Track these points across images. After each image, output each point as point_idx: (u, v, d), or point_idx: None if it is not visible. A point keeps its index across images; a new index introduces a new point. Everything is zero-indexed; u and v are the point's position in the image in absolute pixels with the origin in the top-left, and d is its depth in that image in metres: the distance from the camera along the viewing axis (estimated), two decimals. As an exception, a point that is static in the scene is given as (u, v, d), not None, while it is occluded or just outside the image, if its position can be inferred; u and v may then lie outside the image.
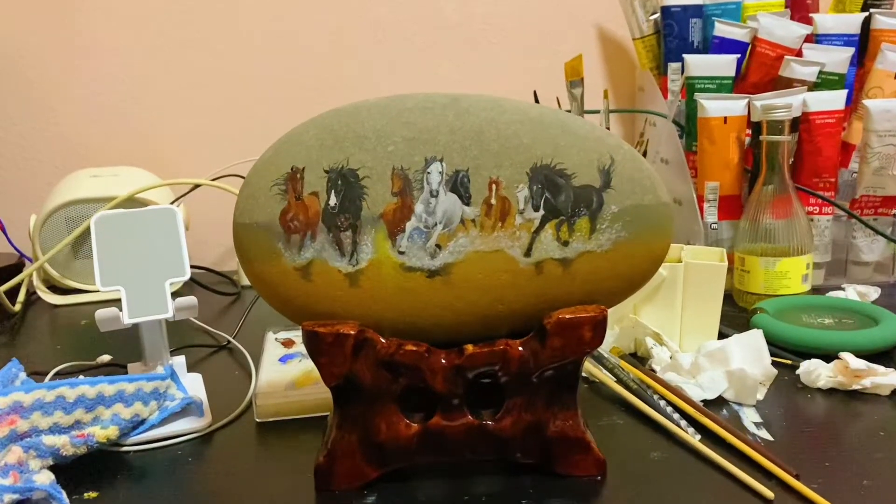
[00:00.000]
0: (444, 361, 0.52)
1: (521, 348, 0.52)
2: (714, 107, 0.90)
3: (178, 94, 1.16)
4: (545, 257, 0.52)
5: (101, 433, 0.58)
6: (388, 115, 0.53)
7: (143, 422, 0.61)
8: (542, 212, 0.52)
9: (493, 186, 0.52)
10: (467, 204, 0.52)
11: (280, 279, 0.52)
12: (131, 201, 0.97)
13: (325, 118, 0.53)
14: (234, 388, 0.71)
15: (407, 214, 0.52)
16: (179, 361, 0.71)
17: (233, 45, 1.15)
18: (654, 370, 0.70)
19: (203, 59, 1.15)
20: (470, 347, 0.52)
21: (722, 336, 0.74)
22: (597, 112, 0.98)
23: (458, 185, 0.52)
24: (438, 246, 0.52)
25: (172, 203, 1.01)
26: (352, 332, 0.51)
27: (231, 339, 0.83)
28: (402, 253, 0.52)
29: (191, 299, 0.65)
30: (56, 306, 1.00)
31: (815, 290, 0.90)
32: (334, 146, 0.52)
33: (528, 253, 0.52)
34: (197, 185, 1.02)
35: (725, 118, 0.90)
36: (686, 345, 0.73)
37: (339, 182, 0.52)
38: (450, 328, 0.53)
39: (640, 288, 0.56)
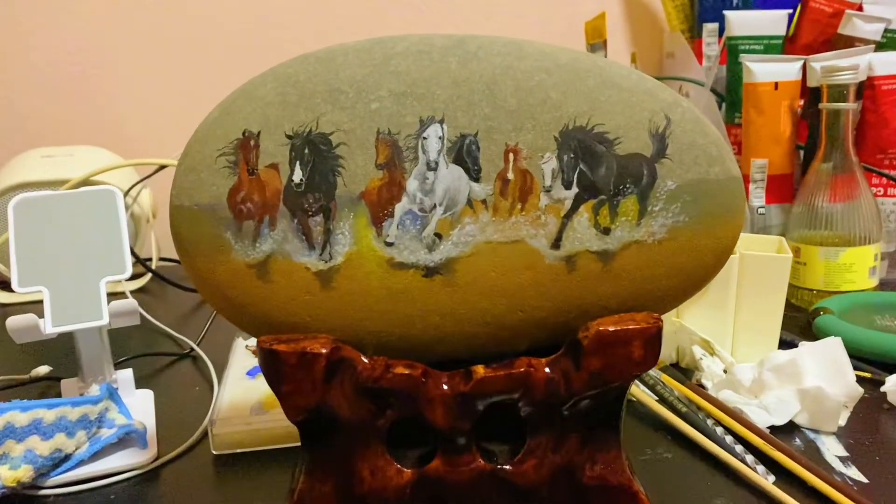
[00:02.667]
0: (445, 388, 0.39)
1: (547, 370, 0.39)
2: (763, 70, 0.77)
3: (144, 62, 1.03)
4: (579, 249, 0.40)
5: (10, 475, 0.45)
6: (371, 62, 0.40)
7: (67, 457, 0.49)
8: (575, 189, 0.39)
9: (511, 156, 0.39)
10: (476, 179, 0.39)
11: (229, 280, 0.40)
12: (87, 185, 0.85)
13: (289, 67, 0.40)
14: (192, 409, 0.59)
15: (396, 194, 0.39)
16: (125, 377, 0.58)
17: (206, 6, 1.01)
18: (703, 386, 0.57)
19: (172, 23, 1.02)
20: (480, 370, 0.39)
21: (784, 344, 0.61)
22: (622, 79, 0.84)
23: (465, 155, 0.39)
24: (438, 235, 0.39)
25: (135, 186, 0.89)
26: (323, 351, 0.38)
27: (195, 345, 0.70)
28: (389, 244, 0.39)
29: (128, 303, 0.52)
30: (5, 305, 0.88)
31: (882, 285, 0.77)
32: (300, 103, 0.39)
33: (556, 244, 0.40)
34: (163, 166, 0.89)
35: (776, 83, 0.77)
36: (740, 354, 0.61)
37: (306, 151, 0.39)
38: (453, 343, 0.41)
39: (701, 288, 0.43)
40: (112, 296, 0.60)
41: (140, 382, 0.62)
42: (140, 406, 0.57)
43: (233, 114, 0.40)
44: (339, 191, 0.39)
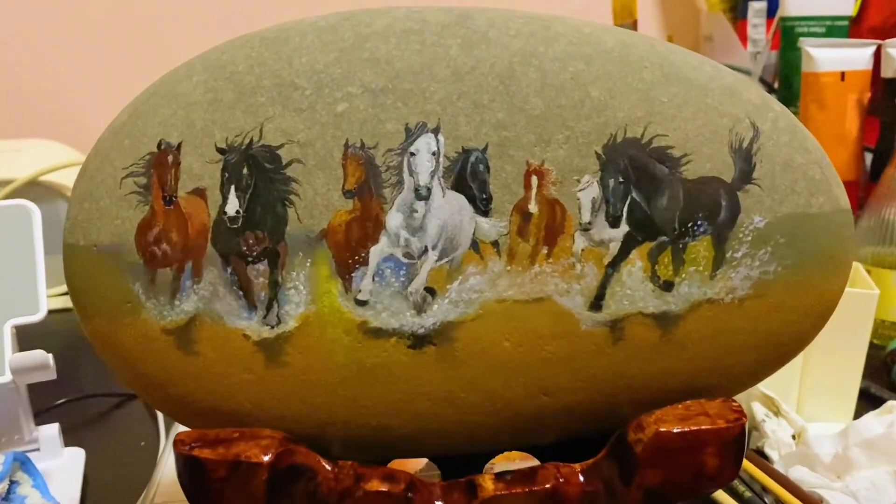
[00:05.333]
0: (439, 507, 0.28)
1: (583, 479, 0.28)
2: (828, 57, 0.65)
3: (108, 42, 0.91)
4: (629, 311, 0.28)
5: None
6: (338, 46, 0.28)
7: (-45, 556, 0.38)
8: (624, 227, 0.28)
9: (534, 180, 0.28)
10: (484, 213, 0.28)
11: (139, 349, 0.29)
12: (34, 186, 0.73)
13: (223, 52, 0.29)
14: (133, 472, 0.48)
15: (372, 232, 0.28)
16: (49, 434, 0.47)
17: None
18: (767, 458, 0.46)
19: (141, 6, 0.90)
20: (488, 484, 0.28)
21: (866, 398, 0.50)
22: (656, 67, 0.73)
23: (469, 178, 0.28)
24: (431, 291, 0.28)
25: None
26: (265, 458, 0.27)
27: (148, 383, 0.59)
28: (362, 303, 0.28)
29: (37, 355, 0.41)
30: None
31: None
32: (237, 103, 0.28)
33: (597, 304, 0.28)
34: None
35: (843, 73, 0.65)
36: (810, 411, 0.49)
37: (245, 170, 0.28)
38: (450, 436, 0.29)
39: (790, 360, 0.31)
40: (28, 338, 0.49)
41: (72, 435, 0.51)
42: (65, 472, 0.46)
43: (145, 117, 0.29)
44: (292, 228, 0.28)
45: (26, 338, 0.45)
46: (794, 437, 0.46)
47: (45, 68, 0.92)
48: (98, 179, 0.29)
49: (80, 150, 0.85)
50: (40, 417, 0.51)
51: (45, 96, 0.93)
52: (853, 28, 0.72)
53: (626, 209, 0.28)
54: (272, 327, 0.28)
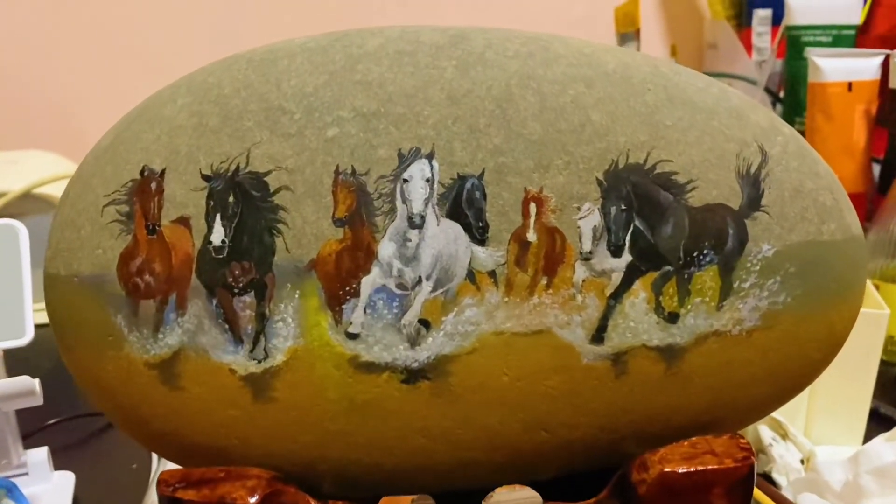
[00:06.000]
0: (434, 550, 0.27)
1: (583, 519, 0.27)
2: (835, 67, 0.64)
3: (102, 51, 0.90)
4: (633, 344, 0.27)
5: None
6: (328, 68, 0.27)
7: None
8: (627, 257, 0.27)
9: (533, 207, 0.27)
10: (481, 242, 0.27)
11: (122, 383, 0.27)
12: (29, 198, 0.72)
13: (210, 74, 0.28)
14: (125, 496, 0.46)
15: (363, 262, 0.26)
16: (38, 459, 0.46)
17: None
18: (775, 483, 0.44)
19: (140, 8, 0.89)
20: (485, 526, 0.27)
21: (877, 418, 0.48)
22: (659, 76, 0.71)
23: (465, 206, 0.27)
24: (425, 323, 0.27)
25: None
26: (251, 501, 0.25)
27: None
28: (353, 336, 0.27)
29: (23, 382, 0.40)
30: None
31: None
32: (223, 128, 0.27)
33: (599, 336, 0.27)
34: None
35: (850, 84, 0.64)
36: (819, 434, 0.48)
37: (231, 198, 0.27)
38: (446, 473, 0.28)
39: (801, 392, 0.30)
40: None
41: (62, 458, 0.50)
42: (55, 497, 0.45)
43: (127, 143, 0.27)
44: (280, 258, 0.26)
45: (13, 354, 0.44)
46: (802, 461, 0.45)
47: (40, 78, 0.91)
48: (79, 207, 0.27)
49: (76, 162, 0.83)
50: (29, 440, 0.50)
51: (40, 107, 0.92)
52: (860, 36, 0.71)
53: (628, 238, 0.27)
54: (259, 361, 0.27)
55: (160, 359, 0.27)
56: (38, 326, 0.43)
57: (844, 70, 0.64)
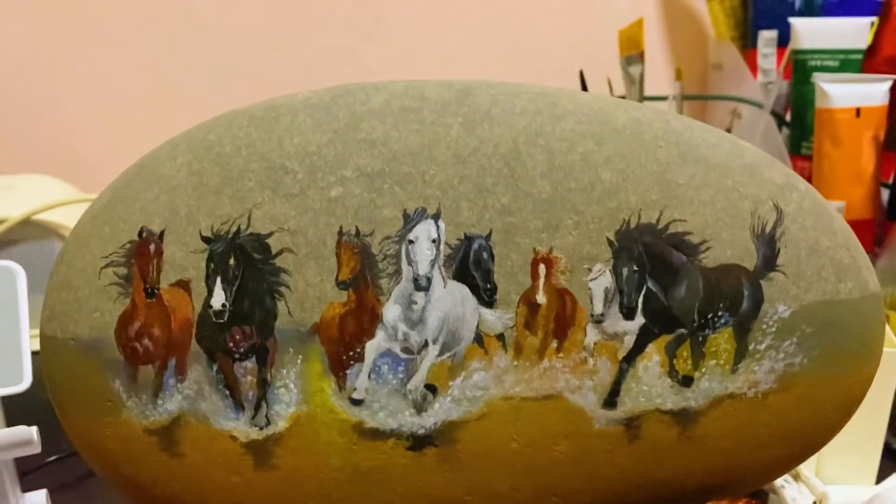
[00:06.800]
0: None
1: (595, 589, 0.26)
2: (842, 93, 0.63)
3: (109, 72, 0.89)
4: (646, 409, 0.26)
5: None
6: (332, 126, 0.26)
7: None
8: (640, 319, 0.26)
9: (542, 268, 0.26)
10: (489, 304, 0.26)
11: (122, 449, 0.27)
12: (28, 225, 0.71)
13: (209, 131, 0.27)
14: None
15: (368, 326, 0.26)
16: (35, 502, 0.45)
17: (185, 8, 0.88)
18: (788, 526, 0.43)
19: (144, 26, 0.88)
20: None
21: (891, 455, 0.48)
22: (664, 99, 0.71)
23: (472, 267, 0.26)
24: (432, 388, 0.26)
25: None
26: (253, 576, 0.25)
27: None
28: (357, 402, 0.26)
29: (21, 432, 0.39)
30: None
31: None
32: (223, 188, 0.26)
33: (611, 401, 0.26)
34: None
35: (858, 109, 0.63)
36: (830, 472, 0.47)
37: (232, 261, 0.26)
38: (455, 540, 0.27)
39: (816, 452, 0.30)
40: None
41: (60, 498, 0.49)
42: (53, 543, 0.44)
43: (125, 202, 0.27)
44: (282, 322, 0.26)
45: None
46: (815, 503, 0.44)
47: (39, 100, 0.90)
48: (76, 268, 0.27)
49: (76, 186, 0.83)
50: (27, 479, 0.49)
51: (40, 130, 0.91)
52: (867, 60, 0.70)
53: (641, 300, 0.26)
54: (261, 428, 0.26)
55: (160, 425, 0.26)
56: (34, 353, 0.43)
57: (852, 96, 0.63)
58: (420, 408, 0.26)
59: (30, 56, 0.90)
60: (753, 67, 0.78)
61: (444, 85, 0.27)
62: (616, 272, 0.26)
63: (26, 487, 0.46)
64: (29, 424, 0.40)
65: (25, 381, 0.40)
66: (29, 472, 0.49)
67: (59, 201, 0.74)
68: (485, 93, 0.27)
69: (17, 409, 0.45)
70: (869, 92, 0.63)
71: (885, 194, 0.67)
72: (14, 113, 0.90)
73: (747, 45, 0.79)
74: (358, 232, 0.26)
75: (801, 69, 0.69)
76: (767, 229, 0.26)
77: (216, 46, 0.90)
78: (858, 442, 0.46)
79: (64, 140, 0.91)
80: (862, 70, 0.68)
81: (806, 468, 0.45)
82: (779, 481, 0.45)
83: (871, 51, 0.70)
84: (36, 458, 0.55)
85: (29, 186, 0.78)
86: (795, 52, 0.69)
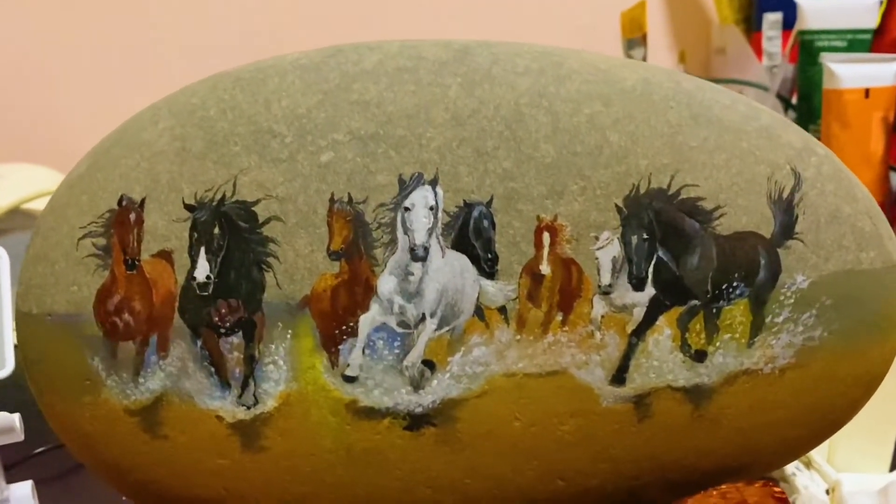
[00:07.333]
0: None
1: (604, 577, 0.25)
2: (851, 73, 0.62)
3: (92, 61, 0.88)
4: (657, 385, 0.25)
5: None
6: (321, 87, 0.25)
7: None
8: (650, 290, 0.24)
9: (546, 237, 0.24)
10: (490, 275, 0.24)
11: (101, 431, 0.25)
12: (16, 214, 0.70)
13: (193, 94, 0.26)
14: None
15: (362, 299, 0.24)
16: (22, 493, 0.44)
17: None
18: (800, 515, 0.42)
19: (133, 12, 0.87)
20: (497, 587, 0.24)
21: (903, 446, 0.46)
22: (667, 83, 0.69)
23: (472, 236, 0.24)
24: (429, 364, 0.25)
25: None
26: (240, 563, 0.23)
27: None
28: (350, 380, 0.24)
29: (2, 418, 0.38)
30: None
31: None
32: (207, 153, 0.25)
33: (619, 377, 0.25)
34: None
35: (867, 90, 0.61)
36: (842, 459, 0.45)
37: (217, 230, 0.24)
38: (455, 525, 0.26)
39: (836, 432, 0.28)
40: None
41: (47, 490, 0.47)
42: (39, 534, 0.43)
43: (104, 169, 0.25)
44: (270, 295, 0.24)
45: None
46: (827, 491, 0.43)
47: (28, 88, 0.89)
48: (53, 240, 0.25)
49: (65, 175, 0.81)
50: (13, 471, 0.48)
51: (28, 119, 0.90)
52: (876, 40, 0.68)
53: (651, 270, 0.24)
54: (248, 408, 0.25)
55: (141, 405, 0.25)
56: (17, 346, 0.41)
57: (861, 76, 0.61)
58: (417, 385, 0.24)
59: (17, 45, 0.88)
60: (758, 51, 0.76)
61: (442, 44, 0.26)
62: (625, 240, 0.24)
63: (12, 479, 0.44)
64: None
65: (7, 367, 0.39)
66: (15, 464, 0.48)
67: (48, 190, 0.73)
68: (485, 52, 0.25)
69: (2, 399, 0.43)
70: (878, 72, 0.62)
71: (894, 178, 0.66)
72: (2, 102, 0.88)
73: (751, 28, 0.78)
74: (350, 199, 0.24)
75: (807, 50, 0.67)
76: (785, 195, 0.25)
77: (209, 33, 0.88)
78: (872, 428, 0.45)
79: (53, 129, 0.89)
80: (871, 50, 0.67)
81: (818, 455, 0.44)
82: (790, 468, 0.44)
83: (880, 31, 0.69)
84: (22, 450, 0.53)
85: (16, 176, 0.77)
86: (802, 32, 0.68)
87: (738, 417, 0.25)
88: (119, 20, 0.88)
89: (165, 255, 0.24)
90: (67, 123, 0.89)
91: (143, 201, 0.25)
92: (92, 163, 0.26)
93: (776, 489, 0.25)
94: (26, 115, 0.89)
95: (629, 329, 0.25)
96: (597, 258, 0.24)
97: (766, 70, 0.73)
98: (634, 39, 0.71)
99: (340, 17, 0.87)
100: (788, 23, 0.72)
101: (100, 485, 0.51)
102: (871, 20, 0.65)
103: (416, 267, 0.24)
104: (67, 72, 0.89)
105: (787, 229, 0.25)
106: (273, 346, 0.24)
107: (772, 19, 0.74)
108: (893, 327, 0.26)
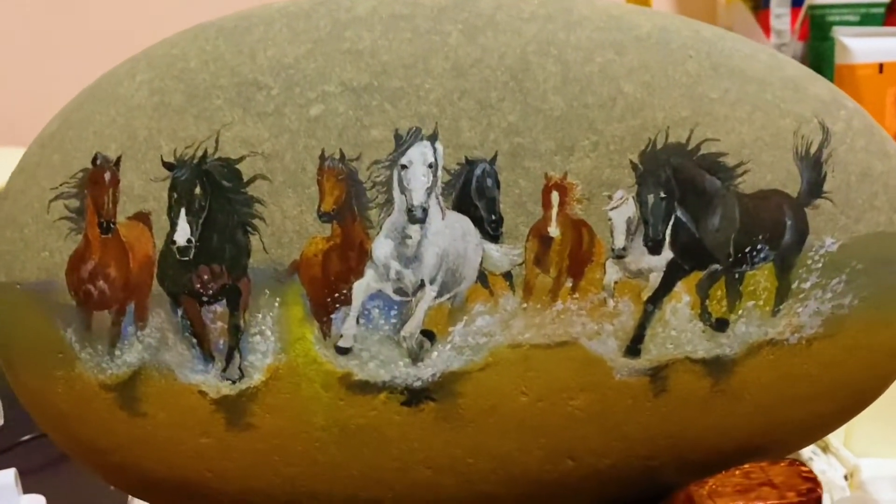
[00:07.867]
0: None
1: (618, 563, 0.23)
2: (864, 48, 0.61)
3: (90, 42, 0.86)
4: (674, 357, 0.23)
5: None
6: (311, 35, 0.23)
7: None
8: (668, 254, 0.23)
9: (555, 196, 0.23)
10: (494, 238, 0.23)
11: (75, 408, 0.23)
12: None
13: (174, 46, 0.24)
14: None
15: (355, 264, 0.22)
16: (5, 482, 0.42)
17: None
18: (818, 500, 0.40)
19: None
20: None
21: (923, 429, 0.44)
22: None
23: (474, 196, 0.23)
24: (429, 334, 0.23)
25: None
26: (224, 549, 0.22)
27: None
28: (344, 351, 0.23)
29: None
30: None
31: None
32: (188, 107, 0.23)
33: (634, 348, 0.23)
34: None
35: (881, 65, 0.60)
36: (859, 444, 0.44)
37: (198, 189, 0.23)
38: (456, 509, 0.24)
39: (866, 407, 0.26)
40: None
41: (31, 479, 0.46)
42: (22, 524, 0.41)
43: (77, 126, 0.23)
44: (256, 260, 0.23)
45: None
46: (846, 477, 0.41)
47: (19, 72, 0.88)
48: (22, 203, 0.24)
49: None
50: (-2, 459, 0.46)
51: (20, 102, 0.88)
52: (889, 13, 0.67)
53: (669, 231, 0.23)
54: (234, 382, 0.23)
55: (118, 379, 0.23)
56: None
57: (875, 50, 0.60)
58: (416, 357, 0.23)
59: (11, 32, 0.87)
60: (766, 29, 0.74)
61: (441, -10, 0.24)
62: (640, 200, 0.23)
63: (-5, 466, 0.43)
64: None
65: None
66: (0, 453, 0.46)
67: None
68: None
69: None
70: (892, 46, 0.61)
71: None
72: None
73: (759, 5, 0.76)
74: (342, 156, 0.22)
75: (819, 25, 0.66)
76: (812, 150, 0.23)
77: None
78: (890, 411, 0.43)
79: (44, 112, 0.88)
80: (884, 24, 0.65)
81: (835, 439, 0.42)
82: (806, 452, 0.42)
83: (893, 3, 0.67)
84: (7, 439, 0.51)
85: (6, 160, 0.75)
86: (812, 7, 0.66)
87: (761, 392, 0.24)
88: (110, 10, 0.87)
89: (143, 217, 0.23)
90: (55, 108, 0.88)
91: (118, 159, 0.23)
92: (64, 120, 0.24)
93: (803, 468, 0.23)
94: (16, 100, 0.87)
95: (645, 296, 0.23)
96: (610, 219, 0.23)
97: (774, 48, 0.71)
98: (639, 17, 0.69)
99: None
100: (797, 0, 0.71)
101: (86, 474, 0.49)
102: (885, -7, 0.64)
103: (414, 229, 0.23)
104: (58, 56, 0.87)
105: (814, 188, 0.23)
106: (260, 316, 0.23)
107: (780, -4, 0.73)
108: (927, 294, 0.24)
